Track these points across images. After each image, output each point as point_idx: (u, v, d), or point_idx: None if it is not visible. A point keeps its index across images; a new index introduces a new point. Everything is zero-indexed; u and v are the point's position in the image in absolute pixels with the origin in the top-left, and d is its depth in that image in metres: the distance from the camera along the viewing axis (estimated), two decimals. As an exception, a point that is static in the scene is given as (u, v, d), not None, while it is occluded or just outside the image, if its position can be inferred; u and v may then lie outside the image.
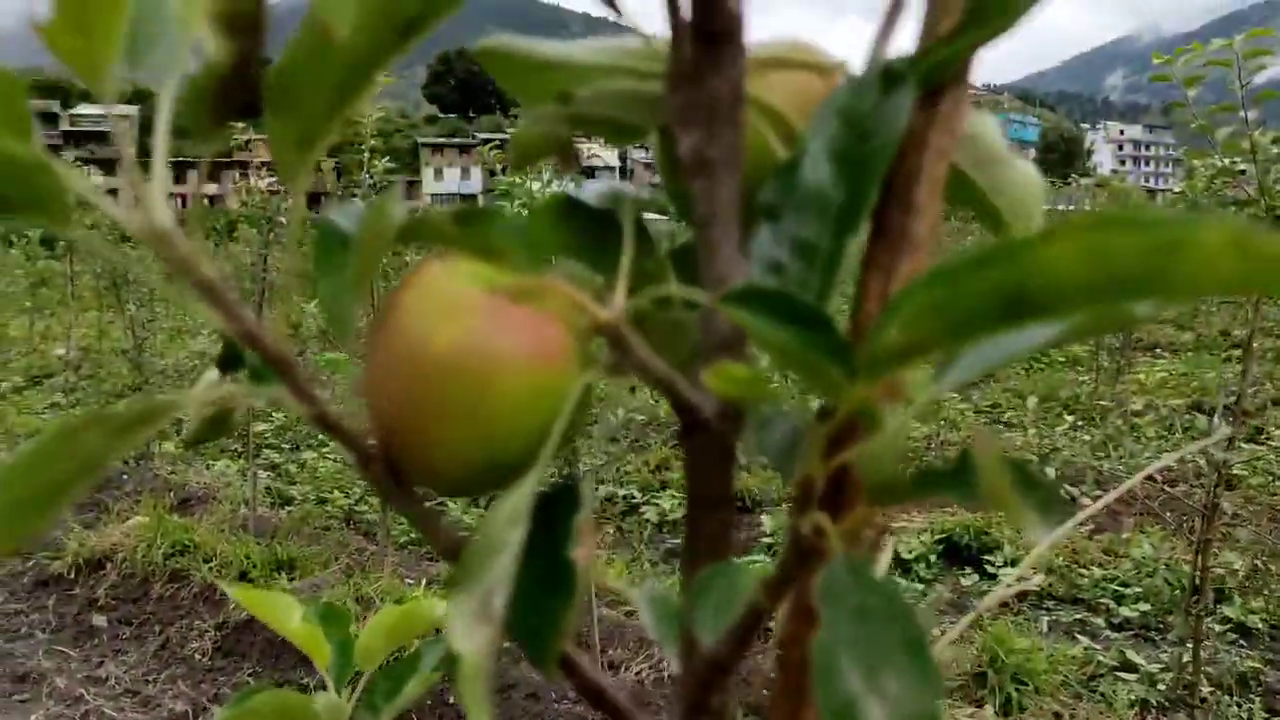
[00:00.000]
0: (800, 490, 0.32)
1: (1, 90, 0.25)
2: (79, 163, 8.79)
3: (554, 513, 0.33)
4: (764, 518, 5.18)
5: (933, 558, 4.76)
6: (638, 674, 3.57)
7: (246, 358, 0.40)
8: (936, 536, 4.88)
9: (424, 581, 4.14)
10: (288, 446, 6.57)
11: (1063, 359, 8.86)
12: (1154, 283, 0.23)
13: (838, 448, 0.32)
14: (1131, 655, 3.71)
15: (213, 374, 0.43)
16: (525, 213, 0.38)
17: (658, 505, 5.45)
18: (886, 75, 0.34)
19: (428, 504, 0.36)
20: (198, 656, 3.87)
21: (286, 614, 0.77)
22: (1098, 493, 5.45)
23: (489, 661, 0.29)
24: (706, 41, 0.35)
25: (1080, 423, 6.34)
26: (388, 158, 5.01)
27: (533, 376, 0.33)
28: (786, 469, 0.35)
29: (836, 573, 0.29)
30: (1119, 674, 3.60)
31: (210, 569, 4.30)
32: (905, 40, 0.38)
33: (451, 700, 3.37)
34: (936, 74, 0.35)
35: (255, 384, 0.34)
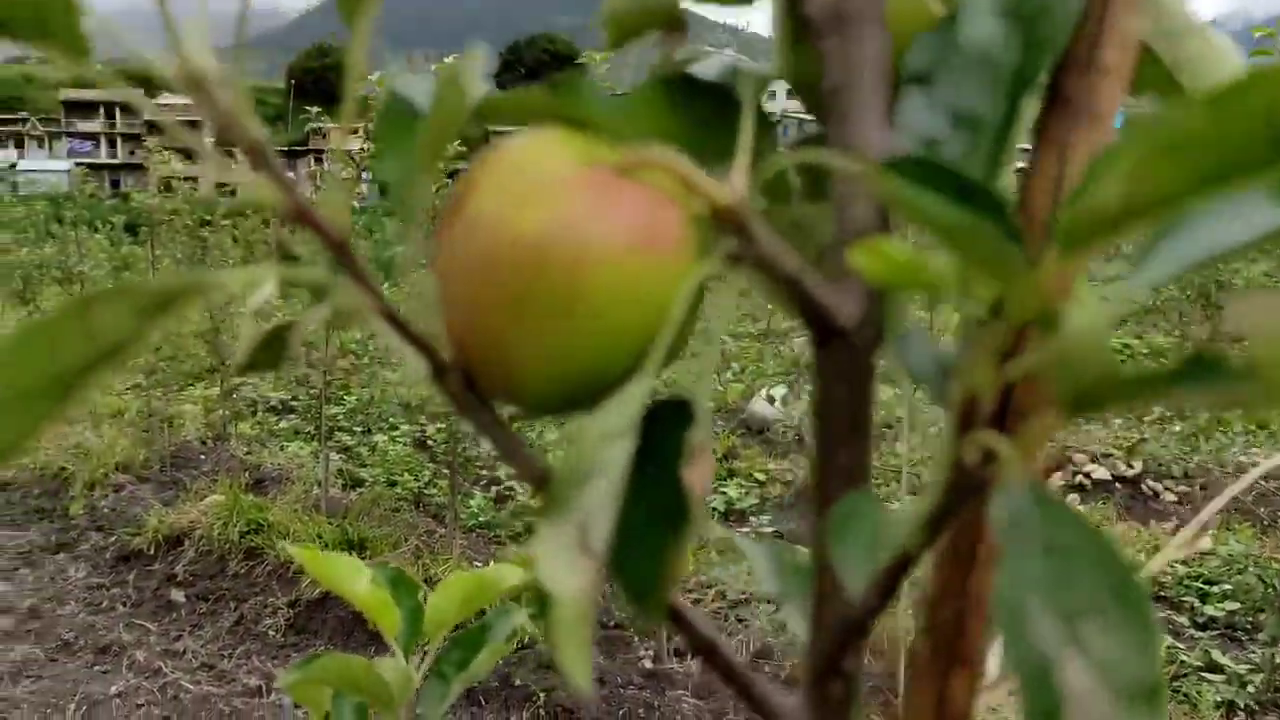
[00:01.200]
0: (962, 409, 0.27)
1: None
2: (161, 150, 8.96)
3: (659, 430, 0.27)
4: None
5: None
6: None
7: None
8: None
9: (491, 565, 4.12)
10: (359, 430, 6.61)
11: (1146, 350, 8.59)
12: None
13: (1007, 356, 0.26)
14: (1217, 656, 3.55)
15: (268, 288, 0.39)
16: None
17: (724, 494, 5.37)
18: (1071, -97, 0.28)
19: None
20: (271, 633, 3.92)
21: (353, 578, 0.73)
22: (1183, 487, 5.24)
23: (590, 603, 0.23)
24: None
25: (1168, 414, 6.13)
26: (459, 144, 5.02)
27: (638, 268, 0.27)
28: (938, 387, 0.29)
29: (1018, 501, 0.23)
30: (1204, 675, 3.46)
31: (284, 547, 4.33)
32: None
33: (517, 682, 3.35)
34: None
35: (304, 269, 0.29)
